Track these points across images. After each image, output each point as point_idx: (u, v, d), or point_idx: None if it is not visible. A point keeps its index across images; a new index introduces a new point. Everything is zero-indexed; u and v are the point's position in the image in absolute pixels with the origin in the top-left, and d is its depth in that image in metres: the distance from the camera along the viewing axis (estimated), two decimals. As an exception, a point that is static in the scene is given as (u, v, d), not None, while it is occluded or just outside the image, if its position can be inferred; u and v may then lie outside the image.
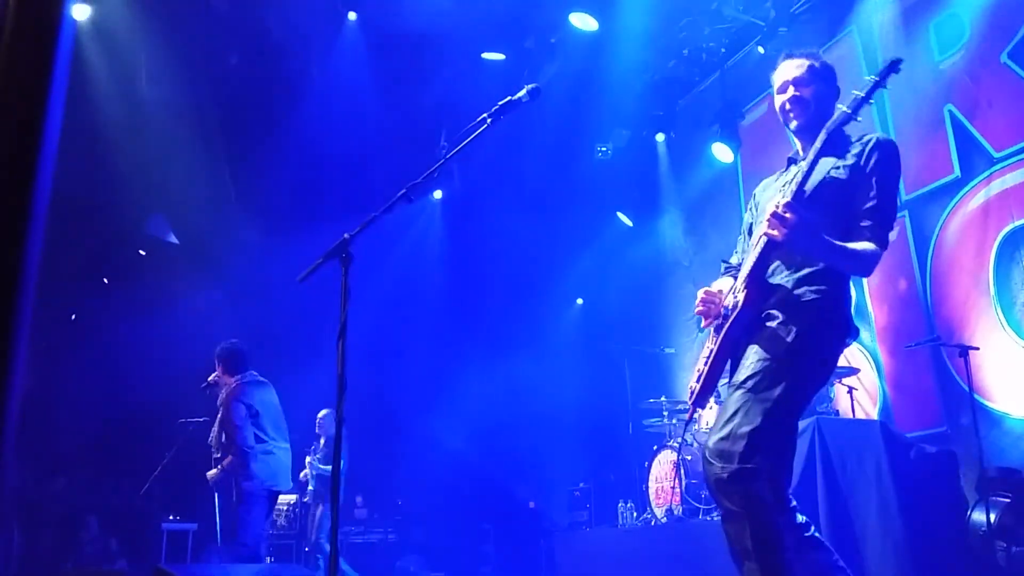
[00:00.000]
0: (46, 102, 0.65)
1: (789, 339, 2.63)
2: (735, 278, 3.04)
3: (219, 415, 5.95)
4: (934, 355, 6.66)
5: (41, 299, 0.70)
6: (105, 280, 11.11)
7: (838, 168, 2.76)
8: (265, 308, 10.46)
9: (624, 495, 8.05)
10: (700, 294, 2.99)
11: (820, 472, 5.09)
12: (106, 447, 9.49)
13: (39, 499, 9.70)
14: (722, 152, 8.91)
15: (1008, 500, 5.42)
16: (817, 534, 2.76)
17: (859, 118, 2.64)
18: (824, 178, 2.76)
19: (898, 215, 7.16)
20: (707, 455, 2.62)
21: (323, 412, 8.62)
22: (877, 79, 2.61)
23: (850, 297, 2.85)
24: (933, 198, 6.91)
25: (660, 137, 10.29)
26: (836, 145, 2.76)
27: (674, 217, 10.19)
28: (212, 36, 8.84)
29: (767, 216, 2.60)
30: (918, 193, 7.04)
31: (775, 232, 2.57)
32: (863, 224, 2.71)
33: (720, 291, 2.96)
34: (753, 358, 2.65)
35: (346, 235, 3.12)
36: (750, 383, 2.61)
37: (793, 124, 2.99)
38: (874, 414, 7.09)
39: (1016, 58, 6.29)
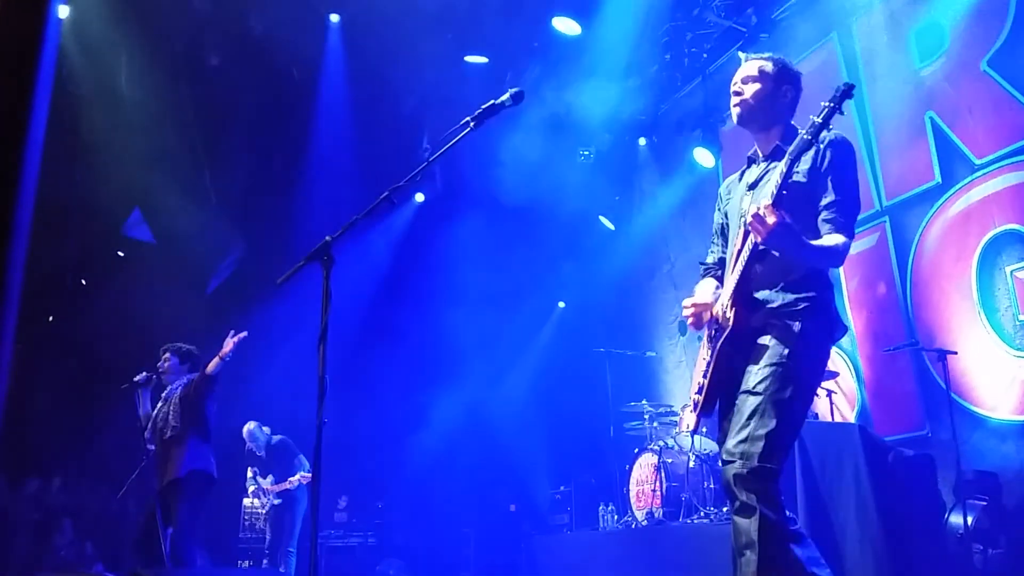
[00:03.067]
0: (31, 102, 0.64)
1: (791, 344, 2.79)
2: (718, 280, 3.20)
3: (178, 394, 6.02)
4: (915, 359, 6.71)
5: (19, 300, 0.68)
6: (83, 281, 11.01)
7: (798, 172, 2.87)
8: (244, 310, 10.39)
9: (605, 498, 8.06)
10: (687, 305, 3.12)
11: (799, 475, 5.11)
12: (82, 449, 9.39)
13: (13, 502, 9.58)
14: (704, 157, 8.93)
15: (985, 503, 5.48)
16: (801, 529, 2.84)
17: (820, 143, 2.76)
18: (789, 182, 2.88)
19: (878, 220, 7.23)
20: (725, 456, 2.76)
21: (251, 425, 8.29)
22: (832, 105, 2.66)
23: (834, 297, 3.01)
24: (914, 204, 6.96)
25: (642, 141, 10.33)
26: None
27: (656, 221, 10.22)
28: (193, 37, 8.79)
29: (749, 217, 2.69)
30: (899, 199, 7.09)
31: (757, 237, 2.69)
32: (828, 218, 2.86)
33: (707, 303, 3.07)
34: (761, 363, 2.79)
35: (328, 238, 3.09)
36: (761, 387, 2.75)
37: (734, 116, 3.18)
38: (852, 418, 7.13)
39: (996, 66, 6.35)
